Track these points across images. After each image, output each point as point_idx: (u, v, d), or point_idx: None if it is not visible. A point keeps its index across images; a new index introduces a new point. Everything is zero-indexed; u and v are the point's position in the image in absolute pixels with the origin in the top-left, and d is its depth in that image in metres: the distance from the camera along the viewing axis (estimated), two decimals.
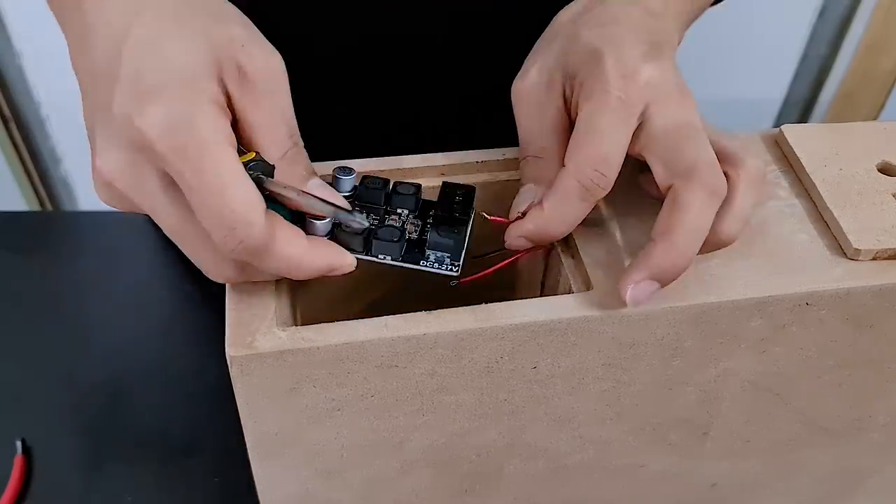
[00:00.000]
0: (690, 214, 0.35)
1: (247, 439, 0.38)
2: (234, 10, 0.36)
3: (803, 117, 1.47)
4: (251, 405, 0.36)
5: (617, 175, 0.36)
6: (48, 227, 0.82)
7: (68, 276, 0.74)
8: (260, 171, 0.33)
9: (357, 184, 0.39)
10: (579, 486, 0.46)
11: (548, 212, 0.37)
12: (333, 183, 0.38)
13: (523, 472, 0.44)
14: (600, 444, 0.43)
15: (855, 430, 0.47)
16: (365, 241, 0.36)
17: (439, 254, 0.37)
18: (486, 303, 0.36)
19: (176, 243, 0.34)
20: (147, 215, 0.34)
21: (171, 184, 0.32)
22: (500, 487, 0.45)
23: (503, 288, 0.40)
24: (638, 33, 0.38)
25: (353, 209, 0.36)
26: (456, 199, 0.39)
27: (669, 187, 0.36)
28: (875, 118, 1.44)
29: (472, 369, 0.37)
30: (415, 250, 0.37)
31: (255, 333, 0.35)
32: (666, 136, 0.36)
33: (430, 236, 0.37)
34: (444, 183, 0.40)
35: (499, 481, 0.44)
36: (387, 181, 0.39)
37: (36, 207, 1.37)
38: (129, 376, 0.67)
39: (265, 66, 0.35)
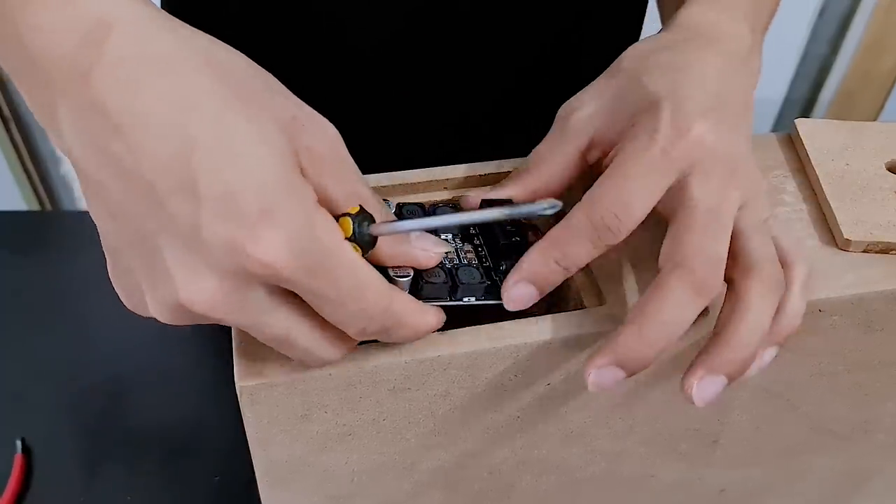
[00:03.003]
0: (754, 312, 0.33)
1: (256, 467, 0.38)
2: (280, 85, 0.32)
3: (803, 117, 1.47)
4: (261, 434, 0.36)
5: (633, 226, 0.34)
6: (48, 227, 0.82)
7: (68, 276, 0.74)
8: (368, 221, 0.31)
9: (394, 213, 0.37)
10: (590, 498, 0.46)
11: (548, 243, 0.34)
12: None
13: (535, 488, 0.44)
14: (612, 457, 0.43)
15: (862, 433, 0.47)
16: (450, 289, 0.35)
17: None
18: (488, 318, 0.36)
19: (280, 349, 0.32)
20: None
21: (283, 296, 0.30)
22: None
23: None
24: (706, 85, 0.36)
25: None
26: (505, 228, 0.37)
27: (731, 279, 0.34)
28: (875, 118, 1.44)
29: (485, 388, 0.37)
30: (488, 283, 0.36)
31: (264, 361, 0.34)
32: (701, 215, 0.34)
33: (508, 269, 0.35)
34: (482, 201, 0.38)
35: (510, 499, 0.44)
36: (422, 206, 0.38)
37: (36, 207, 1.37)
38: (129, 376, 0.67)
39: (327, 138, 0.31)
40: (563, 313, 0.37)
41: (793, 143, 0.45)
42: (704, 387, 0.33)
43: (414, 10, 0.56)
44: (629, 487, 0.46)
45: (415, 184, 0.41)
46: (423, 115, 0.62)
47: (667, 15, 0.42)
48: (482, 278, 0.35)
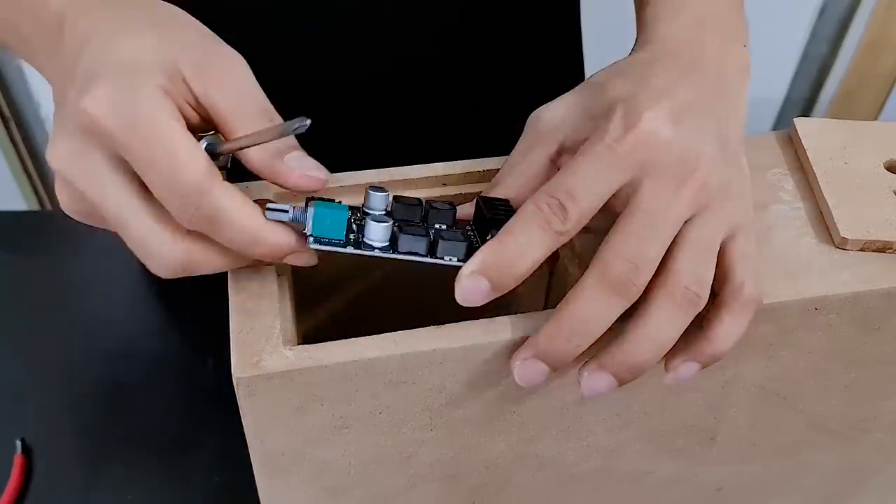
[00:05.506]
0: (652, 324, 0.34)
1: (252, 459, 0.38)
2: (194, 22, 0.37)
3: (803, 117, 1.47)
4: (258, 426, 0.36)
5: (581, 216, 0.34)
6: (48, 227, 0.81)
7: (68, 276, 0.74)
8: (213, 142, 0.34)
9: (390, 201, 0.37)
10: (587, 494, 0.46)
11: (501, 236, 0.34)
12: (366, 199, 0.37)
13: (531, 483, 0.44)
14: (608, 453, 0.43)
15: (860, 431, 0.47)
16: (430, 245, 0.35)
17: None
18: (488, 313, 0.36)
19: (122, 234, 0.34)
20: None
21: (119, 165, 0.33)
22: (507, 499, 0.44)
23: (505, 299, 0.39)
24: (662, 89, 0.36)
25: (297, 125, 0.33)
26: (497, 207, 0.37)
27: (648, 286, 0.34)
28: (875, 118, 1.44)
29: (481, 383, 0.37)
30: (471, 244, 0.36)
31: (261, 353, 0.34)
32: (637, 215, 0.34)
33: (492, 235, 0.35)
34: (478, 198, 0.38)
35: (506, 493, 0.44)
36: (420, 200, 0.38)
37: (36, 207, 1.37)
38: (129, 376, 0.67)
39: (224, 59, 0.35)
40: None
41: (792, 142, 0.45)
42: (593, 379, 0.35)
43: (422, 8, 0.57)
44: (626, 483, 0.46)
45: (414, 180, 0.41)
46: (425, 111, 0.62)
47: (639, 28, 0.42)
48: (465, 238, 0.35)
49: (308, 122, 0.32)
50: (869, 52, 1.35)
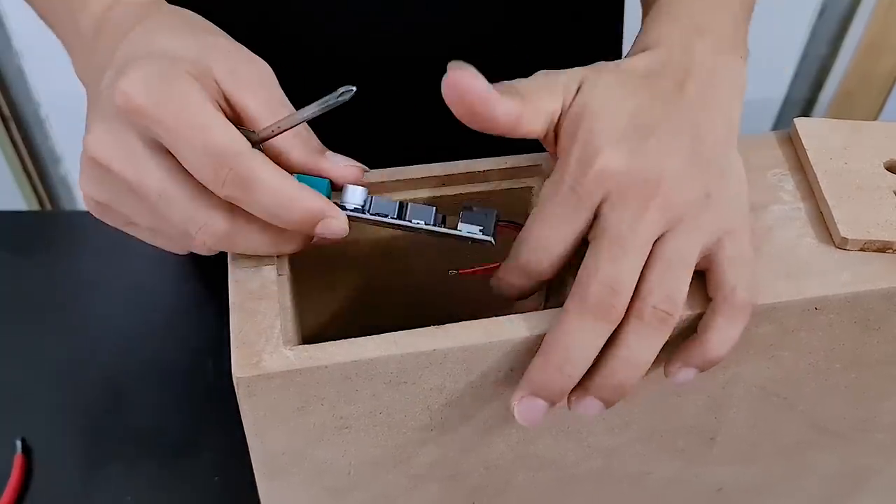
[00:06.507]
0: (626, 348, 0.34)
1: (253, 459, 0.38)
2: (225, 34, 0.39)
3: (803, 117, 1.47)
4: (258, 425, 0.36)
5: (557, 260, 0.35)
6: (48, 227, 0.82)
7: (68, 276, 0.74)
8: (246, 133, 0.35)
9: (367, 196, 0.38)
10: (587, 494, 0.46)
11: (499, 274, 0.37)
12: (343, 192, 0.38)
13: (531, 484, 0.44)
14: (608, 453, 0.43)
15: (860, 431, 0.47)
16: (399, 208, 0.37)
17: (472, 226, 0.37)
18: (487, 314, 0.36)
19: (165, 212, 0.34)
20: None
21: (154, 144, 0.34)
22: (507, 500, 0.44)
23: (506, 299, 0.39)
24: (633, 112, 0.35)
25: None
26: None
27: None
28: (875, 118, 1.44)
29: (481, 383, 0.37)
30: (439, 214, 0.38)
31: (261, 353, 0.34)
32: (604, 242, 0.34)
33: (463, 216, 0.37)
34: (463, 205, 0.39)
35: (506, 493, 0.44)
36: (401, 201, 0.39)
37: (36, 207, 1.37)
38: (129, 376, 0.67)
39: (254, 66, 0.37)
40: (558, 308, 0.37)
41: (792, 142, 0.45)
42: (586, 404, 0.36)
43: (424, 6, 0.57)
44: (626, 484, 0.46)
45: (414, 179, 0.41)
46: (426, 109, 0.62)
47: (641, 30, 0.42)
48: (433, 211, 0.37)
49: (353, 89, 0.34)
50: (869, 53, 1.35)
